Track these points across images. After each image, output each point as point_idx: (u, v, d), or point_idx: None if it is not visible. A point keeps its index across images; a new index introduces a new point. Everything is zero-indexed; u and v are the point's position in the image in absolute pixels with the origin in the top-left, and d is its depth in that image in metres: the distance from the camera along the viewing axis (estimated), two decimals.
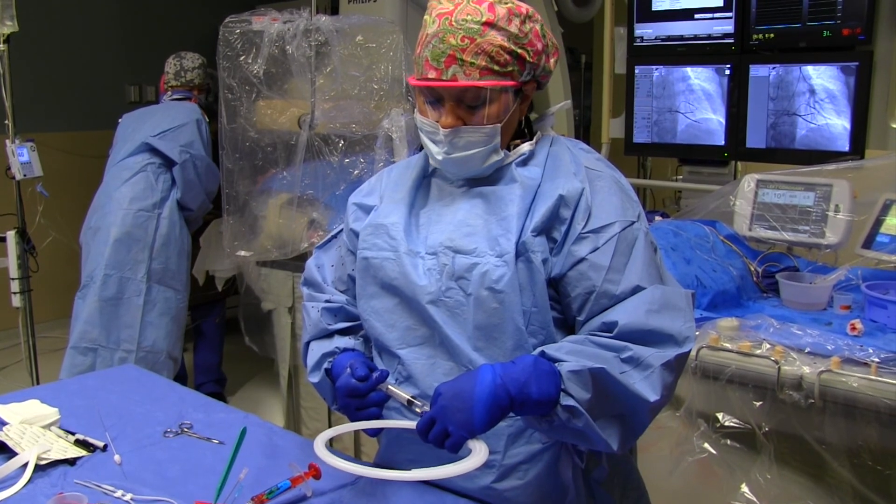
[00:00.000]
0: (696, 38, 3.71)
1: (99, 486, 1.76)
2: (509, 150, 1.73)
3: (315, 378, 1.83)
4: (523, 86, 1.69)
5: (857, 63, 3.24)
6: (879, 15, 3.25)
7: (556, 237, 1.63)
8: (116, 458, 1.90)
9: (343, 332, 1.85)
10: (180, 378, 4.40)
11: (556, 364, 1.51)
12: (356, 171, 3.63)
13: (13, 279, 4.16)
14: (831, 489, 2.39)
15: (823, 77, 3.33)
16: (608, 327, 1.56)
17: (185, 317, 4.26)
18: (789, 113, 3.44)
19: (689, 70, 3.71)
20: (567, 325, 1.68)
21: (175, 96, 4.36)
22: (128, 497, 1.72)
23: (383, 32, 3.65)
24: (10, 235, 4.14)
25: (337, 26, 3.69)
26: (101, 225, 3.97)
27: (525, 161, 1.72)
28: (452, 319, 1.64)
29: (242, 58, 3.78)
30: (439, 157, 1.68)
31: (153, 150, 4.06)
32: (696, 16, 3.69)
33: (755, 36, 3.51)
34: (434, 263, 1.67)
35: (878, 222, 2.82)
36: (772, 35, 3.46)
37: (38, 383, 4.19)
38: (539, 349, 1.56)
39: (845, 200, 2.85)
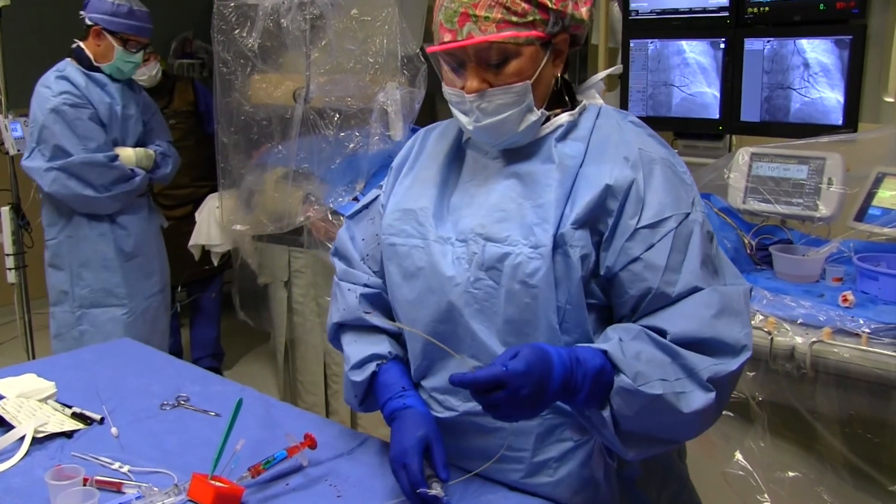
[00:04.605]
0: (691, 11, 3.69)
1: (96, 459, 1.78)
2: (547, 120, 1.59)
3: (357, 377, 1.72)
4: (552, 38, 1.53)
5: (850, 37, 3.23)
6: None
7: (602, 230, 1.51)
8: (113, 430, 1.91)
9: (385, 331, 1.76)
10: (177, 353, 4.39)
11: (616, 375, 1.43)
12: (351, 145, 3.62)
13: (8, 255, 4.16)
14: (823, 457, 2.42)
15: (817, 51, 3.32)
16: (661, 332, 1.47)
17: (148, 322, 3.90)
18: (783, 87, 3.43)
19: (684, 44, 3.70)
20: (607, 317, 1.58)
21: None
22: (125, 469, 1.74)
23: (378, 6, 3.63)
24: (5, 211, 4.14)
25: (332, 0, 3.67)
26: None
27: (565, 134, 1.58)
28: (481, 312, 1.55)
29: (237, 32, 3.77)
30: (470, 128, 1.57)
31: None
32: None
33: (750, 9, 3.49)
34: (463, 251, 1.57)
35: (871, 195, 2.83)
36: (766, 9, 3.45)
37: (34, 359, 4.19)
38: (603, 346, 1.45)
39: (838, 173, 2.86)
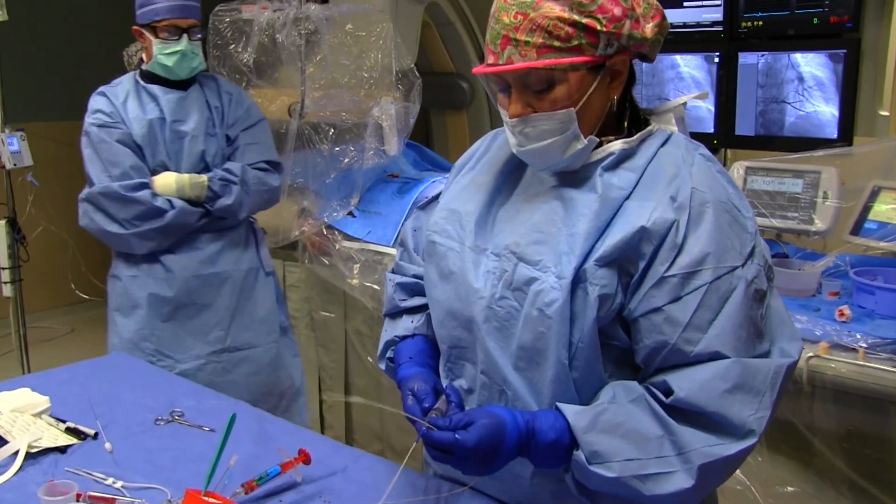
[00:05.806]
0: (685, 25, 3.71)
1: (90, 474, 1.77)
2: (599, 146, 1.50)
3: (382, 366, 1.77)
4: (607, 60, 1.45)
5: (844, 50, 3.24)
6: (866, 2, 3.25)
7: (632, 272, 1.42)
8: (107, 445, 1.90)
9: (412, 311, 1.74)
10: None
11: (575, 448, 1.40)
12: (346, 160, 3.62)
13: (3, 269, 4.15)
14: (821, 472, 2.41)
15: (812, 65, 3.33)
16: (667, 390, 1.39)
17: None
18: (778, 100, 3.44)
19: (678, 58, 3.71)
20: (630, 361, 1.50)
21: None
22: (118, 485, 1.73)
23: (373, 21, 3.64)
24: (1, 225, 4.13)
25: (326, 15, 3.68)
26: None
27: (617, 163, 1.49)
28: (498, 331, 1.50)
29: (232, 46, 3.77)
30: (514, 151, 1.52)
31: None
32: (685, 3, 3.68)
33: (744, 23, 3.51)
34: (496, 266, 1.51)
35: (866, 209, 2.83)
36: (760, 23, 3.46)
37: (29, 373, 4.18)
38: (571, 415, 1.41)
39: (833, 187, 2.86)
